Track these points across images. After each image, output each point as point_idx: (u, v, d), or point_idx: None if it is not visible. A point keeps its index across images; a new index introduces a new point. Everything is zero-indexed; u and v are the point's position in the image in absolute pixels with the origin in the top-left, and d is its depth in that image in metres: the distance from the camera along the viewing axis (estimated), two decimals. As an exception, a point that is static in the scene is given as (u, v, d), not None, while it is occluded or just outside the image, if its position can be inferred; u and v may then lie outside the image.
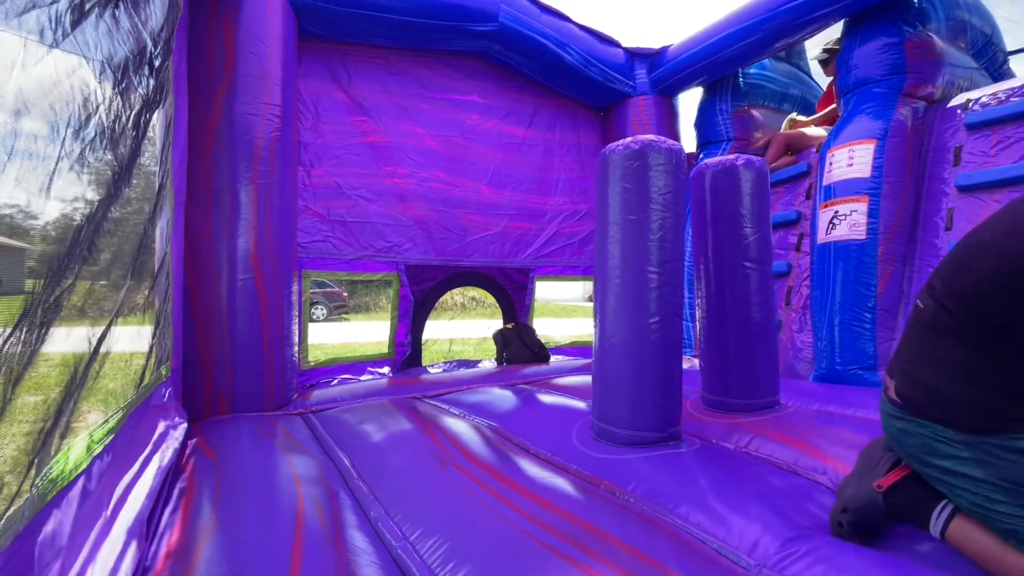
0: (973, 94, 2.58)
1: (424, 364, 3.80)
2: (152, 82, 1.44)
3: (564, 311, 13.07)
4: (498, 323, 4.09)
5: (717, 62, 3.45)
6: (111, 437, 1.15)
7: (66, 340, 0.93)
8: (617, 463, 1.59)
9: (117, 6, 1.13)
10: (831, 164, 2.76)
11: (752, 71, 3.77)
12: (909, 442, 1.12)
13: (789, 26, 3.01)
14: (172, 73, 1.77)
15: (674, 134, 4.06)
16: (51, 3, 0.81)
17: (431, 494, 1.42)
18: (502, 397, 2.50)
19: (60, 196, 0.87)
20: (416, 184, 3.37)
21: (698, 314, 2.24)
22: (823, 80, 3.93)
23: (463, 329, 6.73)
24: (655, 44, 5.08)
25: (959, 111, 2.58)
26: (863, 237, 2.58)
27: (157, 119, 1.61)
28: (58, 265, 0.87)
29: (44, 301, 0.81)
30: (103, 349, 1.13)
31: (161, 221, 1.73)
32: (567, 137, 4.04)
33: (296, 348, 2.72)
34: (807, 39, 3.30)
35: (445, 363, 3.91)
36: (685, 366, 2.53)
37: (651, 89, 3.91)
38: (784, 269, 3.10)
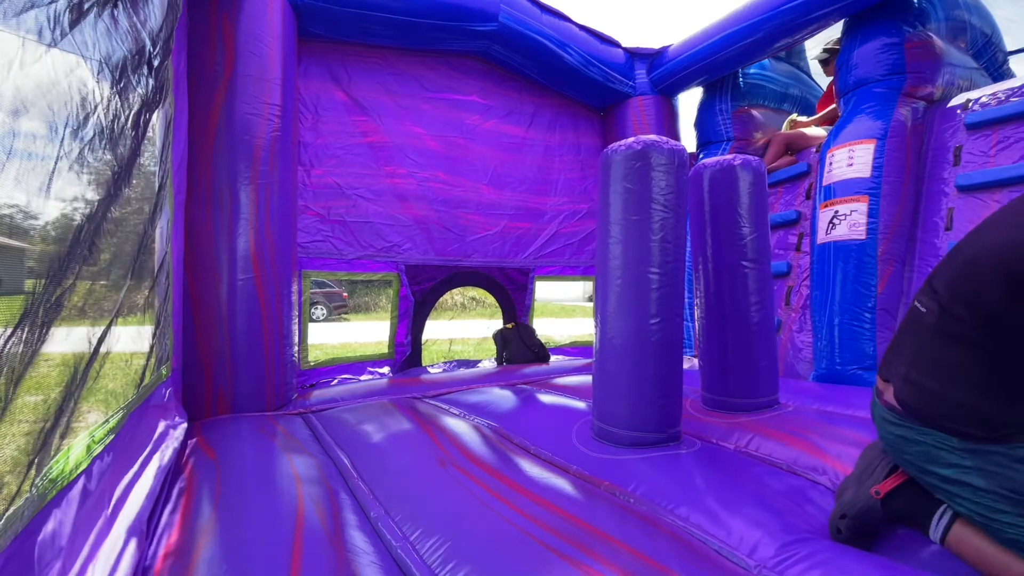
0: (973, 94, 2.58)
1: (424, 364, 3.80)
2: (151, 82, 1.44)
3: (564, 311, 13.07)
4: (498, 323, 4.09)
5: (717, 62, 3.45)
6: (111, 437, 1.15)
7: (66, 340, 0.93)
8: (617, 463, 1.59)
9: (116, 6, 1.13)
10: (831, 164, 2.76)
11: (752, 71, 3.77)
12: (908, 449, 1.09)
13: (789, 26, 3.01)
14: (172, 73, 1.77)
15: (674, 134, 4.06)
16: (49, 2, 0.81)
17: (431, 494, 1.42)
18: (502, 397, 2.50)
19: (60, 196, 0.87)
20: (416, 184, 3.37)
21: (697, 314, 2.24)
22: (823, 80, 3.93)
23: (463, 329, 6.72)
24: (655, 44, 5.07)
25: (959, 111, 2.58)
26: (863, 237, 2.58)
27: (157, 119, 1.61)
28: (59, 265, 0.87)
29: (46, 301, 0.81)
30: (103, 349, 1.13)
31: (161, 221, 1.73)
32: (567, 137, 4.04)
33: (296, 348, 2.72)
34: (807, 39, 3.29)
35: (445, 363, 3.91)
36: (685, 366, 2.53)
37: (651, 89, 3.91)
38: (784, 269, 3.10)
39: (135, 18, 1.27)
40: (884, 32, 2.74)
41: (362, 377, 3.34)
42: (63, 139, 0.87)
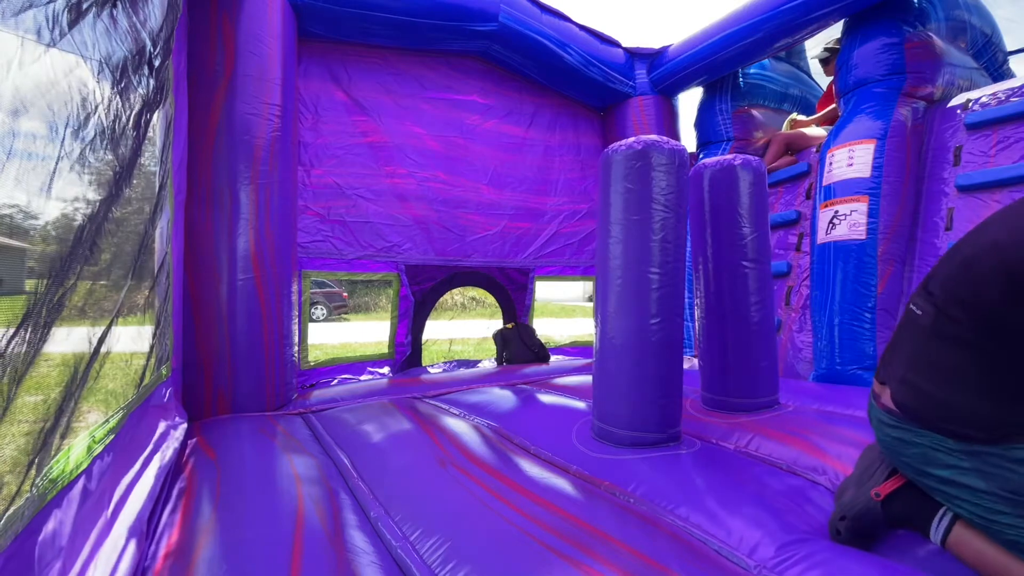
0: (973, 94, 2.58)
1: (424, 364, 3.80)
2: (152, 82, 1.44)
3: (564, 311, 13.07)
4: (498, 323, 4.09)
5: (717, 62, 3.45)
6: (111, 437, 1.15)
7: (67, 340, 0.93)
8: (617, 463, 1.59)
9: (115, 6, 1.13)
10: (831, 164, 2.76)
11: (752, 71, 3.77)
12: (906, 451, 1.09)
13: (789, 26, 3.01)
14: (172, 73, 1.77)
15: (674, 134, 4.06)
16: (48, 2, 0.81)
17: (431, 494, 1.42)
18: (502, 397, 2.50)
19: (60, 196, 0.87)
20: (416, 184, 3.37)
21: (697, 314, 2.24)
22: (823, 80, 3.93)
23: (463, 329, 6.72)
24: (655, 44, 5.08)
25: (959, 111, 2.58)
26: (863, 237, 2.59)
27: (157, 119, 1.61)
28: (60, 265, 0.87)
29: (48, 301, 0.81)
30: (103, 349, 1.13)
31: (161, 221, 1.73)
32: (567, 137, 4.04)
33: (296, 348, 2.72)
34: (807, 39, 3.30)
35: (445, 363, 3.91)
36: (685, 366, 2.53)
37: (651, 89, 3.91)
38: (784, 269, 3.10)
39: (135, 18, 1.27)
40: (884, 32, 2.74)
41: (362, 377, 3.34)
42: (64, 139, 0.87)
